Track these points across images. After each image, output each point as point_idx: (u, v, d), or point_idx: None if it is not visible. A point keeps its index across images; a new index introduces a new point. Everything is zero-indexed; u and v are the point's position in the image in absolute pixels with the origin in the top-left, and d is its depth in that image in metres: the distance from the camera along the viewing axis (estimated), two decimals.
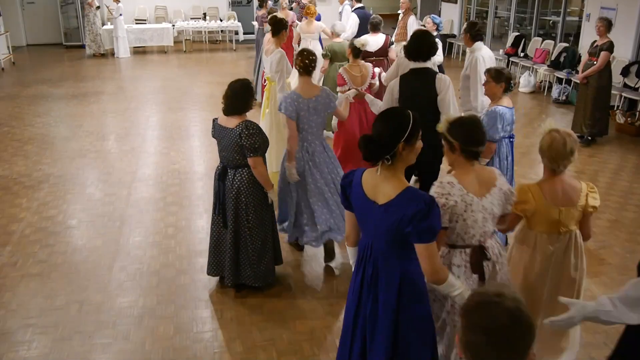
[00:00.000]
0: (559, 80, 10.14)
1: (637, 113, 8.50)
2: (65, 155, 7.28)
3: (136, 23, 15.44)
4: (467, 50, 5.48)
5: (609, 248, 5.03)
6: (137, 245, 4.99)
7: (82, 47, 14.94)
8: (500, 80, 4.28)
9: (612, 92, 8.69)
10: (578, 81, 8.03)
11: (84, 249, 4.95)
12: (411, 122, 2.37)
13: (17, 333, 3.80)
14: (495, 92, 4.33)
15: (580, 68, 7.96)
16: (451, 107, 4.38)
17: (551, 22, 12.33)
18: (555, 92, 10.06)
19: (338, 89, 5.59)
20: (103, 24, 14.54)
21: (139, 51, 15.07)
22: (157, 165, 6.93)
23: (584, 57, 7.87)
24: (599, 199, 3.09)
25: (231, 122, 3.89)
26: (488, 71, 4.41)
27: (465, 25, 5.67)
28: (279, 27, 5.86)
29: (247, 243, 4.10)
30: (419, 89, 4.27)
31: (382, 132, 2.36)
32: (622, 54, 9.06)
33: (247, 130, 3.83)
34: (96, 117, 9.04)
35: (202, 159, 7.09)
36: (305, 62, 4.35)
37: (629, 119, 8.39)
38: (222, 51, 15.39)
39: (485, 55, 5.26)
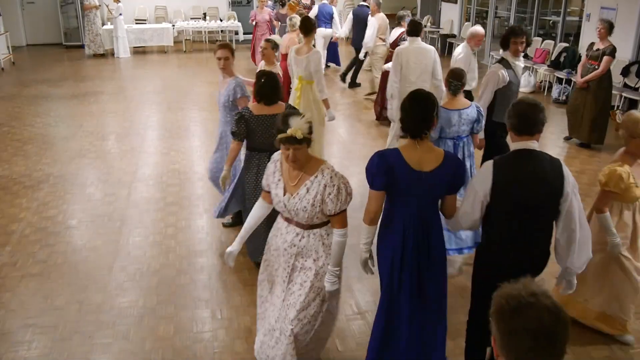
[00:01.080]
0: (559, 80, 10.14)
1: None
2: (65, 155, 7.28)
3: (136, 23, 15.44)
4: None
5: None
6: (137, 246, 4.99)
7: (82, 47, 14.93)
8: (447, 79, 4.48)
9: (612, 92, 8.67)
10: (577, 85, 7.73)
11: (84, 249, 4.95)
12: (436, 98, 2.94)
13: (17, 333, 3.80)
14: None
15: (578, 71, 7.75)
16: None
17: (551, 22, 12.33)
18: (555, 92, 10.06)
19: None
20: (103, 24, 14.53)
21: (139, 51, 15.07)
22: (157, 165, 6.93)
23: (583, 59, 7.69)
24: None
25: (278, 109, 4.17)
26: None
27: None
28: (310, 26, 6.06)
29: None
30: None
31: (425, 111, 2.85)
32: (622, 54, 9.05)
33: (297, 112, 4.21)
34: (96, 117, 9.04)
35: (202, 159, 7.09)
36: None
37: None
38: None
39: (407, 49, 6.39)
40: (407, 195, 2.88)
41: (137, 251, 4.89)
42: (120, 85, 11.42)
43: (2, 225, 5.35)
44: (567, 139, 7.95)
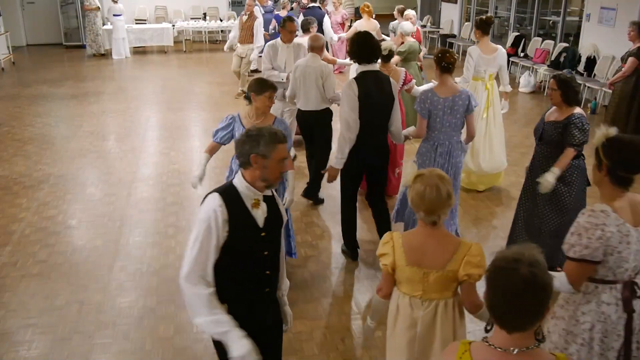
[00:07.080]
0: None
1: None
2: (65, 155, 7.28)
3: (136, 23, 15.43)
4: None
5: None
6: (137, 246, 4.99)
7: (82, 47, 14.92)
8: None
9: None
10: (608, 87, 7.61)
11: (84, 249, 4.95)
12: None
13: (17, 333, 3.80)
14: None
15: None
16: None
17: (551, 22, 12.33)
18: None
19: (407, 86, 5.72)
20: (104, 24, 14.52)
21: (139, 51, 15.06)
22: (157, 165, 6.93)
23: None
24: (483, 266, 2.40)
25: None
26: None
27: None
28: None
29: None
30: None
31: None
32: (622, 54, 9.05)
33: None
34: (96, 117, 9.04)
35: None
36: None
37: None
38: (222, 51, 15.33)
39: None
40: None
41: (137, 251, 4.89)
42: (121, 86, 11.42)
43: (2, 225, 5.35)
44: None
